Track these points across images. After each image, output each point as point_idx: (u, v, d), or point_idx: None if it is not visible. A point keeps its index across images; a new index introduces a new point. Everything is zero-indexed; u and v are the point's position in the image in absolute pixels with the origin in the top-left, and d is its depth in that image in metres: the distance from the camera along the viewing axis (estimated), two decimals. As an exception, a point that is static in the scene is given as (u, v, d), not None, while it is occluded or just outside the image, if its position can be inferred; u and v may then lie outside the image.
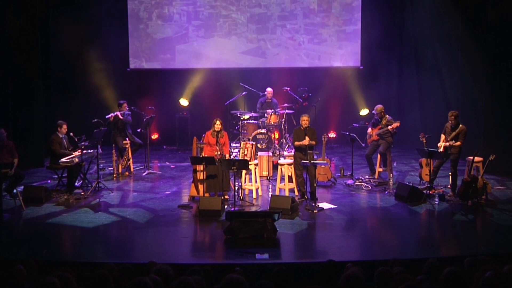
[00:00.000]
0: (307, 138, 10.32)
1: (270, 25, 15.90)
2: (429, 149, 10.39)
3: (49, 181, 12.04)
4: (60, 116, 11.97)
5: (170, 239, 8.74)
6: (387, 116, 11.84)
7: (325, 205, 10.13)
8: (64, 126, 11.32)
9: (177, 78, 15.99)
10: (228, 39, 16.00)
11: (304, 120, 10.54)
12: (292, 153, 11.09)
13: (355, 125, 13.93)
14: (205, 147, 10.67)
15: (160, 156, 14.80)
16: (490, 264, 5.44)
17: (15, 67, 13.14)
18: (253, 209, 10.09)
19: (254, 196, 10.73)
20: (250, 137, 12.94)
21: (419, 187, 10.79)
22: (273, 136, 13.31)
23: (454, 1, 13.58)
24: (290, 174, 10.88)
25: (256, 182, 10.83)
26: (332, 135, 15.57)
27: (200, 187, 10.37)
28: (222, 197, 10.20)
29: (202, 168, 10.28)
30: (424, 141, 10.75)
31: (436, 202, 10.28)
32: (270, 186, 11.67)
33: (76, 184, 11.22)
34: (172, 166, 13.58)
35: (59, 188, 11.24)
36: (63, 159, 10.79)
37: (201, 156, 10.40)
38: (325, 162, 10.79)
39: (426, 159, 10.67)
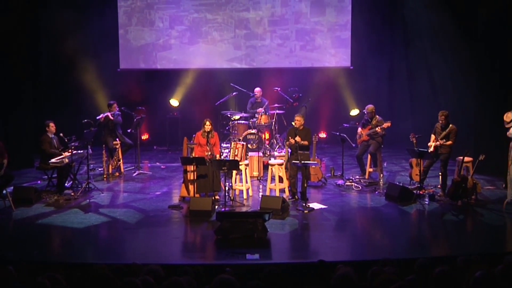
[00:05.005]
0: (297, 138, 10.32)
1: (260, 31, 15.74)
2: (419, 149, 10.43)
3: (39, 181, 11.97)
4: (50, 117, 11.87)
5: (161, 240, 8.71)
6: (377, 116, 11.86)
7: (315, 205, 10.13)
8: (51, 124, 11.27)
9: (167, 79, 15.93)
10: (214, 46, 15.75)
11: (297, 121, 10.57)
12: (283, 153, 11.08)
13: (345, 125, 13.95)
14: (196, 148, 10.65)
15: (150, 157, 14.76)
16: (483, 263, 5.45)
17: (4, 67, 13.05)
18: (244, 209, 10.09)
19: (245, 196, 10.73)
20: (241, 138, 12.93)
21: (410, 187, 10.82)
22: (263, 137, 13.31)
23: (444, 2, 13.62)
24: (280, 175, 10.89)
25: (246, 182, 10.83)
26: (322, 135, 15.56)
27: (191, 187, 10.36)
28: (213, 198, 10.18)
29: (192, 169, 10.27)
30: (414, 141, 10.77)
31: (426, 202, 10.30)
32: (261, 186, 11.66)
33: (66, 184, 11.17)
34: (162, 167, 13.54)
35: (49, 188, 11.18)
36: (53, 160, 10.72)
37: (191, 157, 10.39)
38: (316, 162, 10.81)
39: (416, 159, 10.71)
